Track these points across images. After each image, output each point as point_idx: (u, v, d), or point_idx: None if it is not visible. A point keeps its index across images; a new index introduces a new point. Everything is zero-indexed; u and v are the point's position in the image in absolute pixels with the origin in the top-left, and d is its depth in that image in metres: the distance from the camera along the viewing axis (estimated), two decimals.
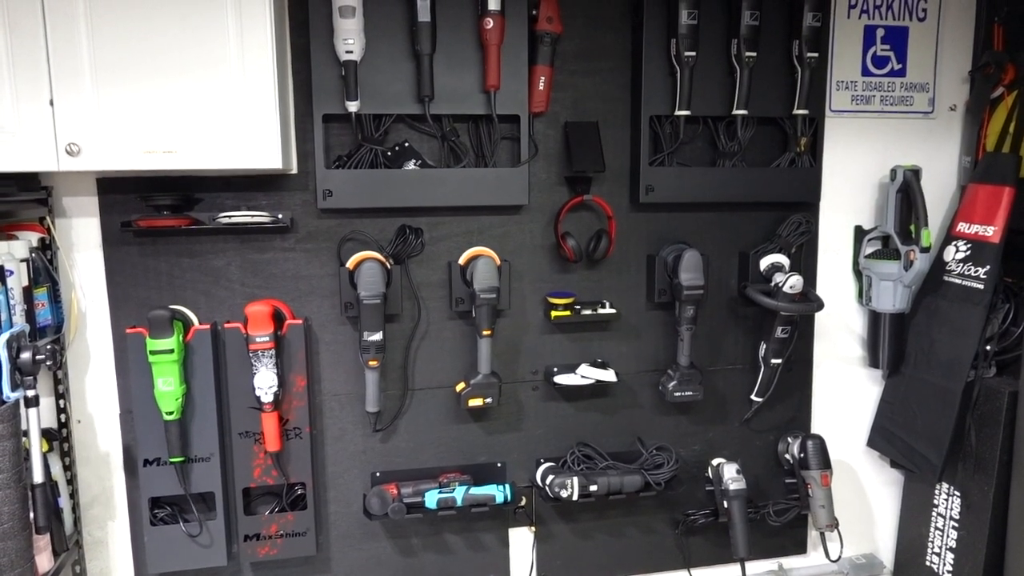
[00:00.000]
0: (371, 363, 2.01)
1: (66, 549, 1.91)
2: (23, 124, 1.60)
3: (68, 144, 1.64)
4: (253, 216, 1.94)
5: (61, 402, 1.98)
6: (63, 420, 1.99)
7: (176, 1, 1.63)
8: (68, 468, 2.00)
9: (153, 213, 1.91)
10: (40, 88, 1.60)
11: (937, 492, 2.34)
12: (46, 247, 1.91)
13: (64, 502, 1.96)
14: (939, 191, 2.41)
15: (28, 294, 1.80)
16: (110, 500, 2.08)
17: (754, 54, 2.09)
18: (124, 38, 1.62)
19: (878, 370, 2.43)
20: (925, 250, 2.18)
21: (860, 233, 2.38)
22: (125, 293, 1.98)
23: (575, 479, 2.13)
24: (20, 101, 1.60)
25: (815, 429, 2.44)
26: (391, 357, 2.12)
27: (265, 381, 1.95)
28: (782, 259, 2.22)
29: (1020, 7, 2.25)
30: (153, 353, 1.88)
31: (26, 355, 1.65)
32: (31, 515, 1.70)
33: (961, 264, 2.23)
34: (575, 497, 2.12)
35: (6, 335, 1.62)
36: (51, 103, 1.61)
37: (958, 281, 2.23)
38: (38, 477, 1.72)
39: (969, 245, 2.22)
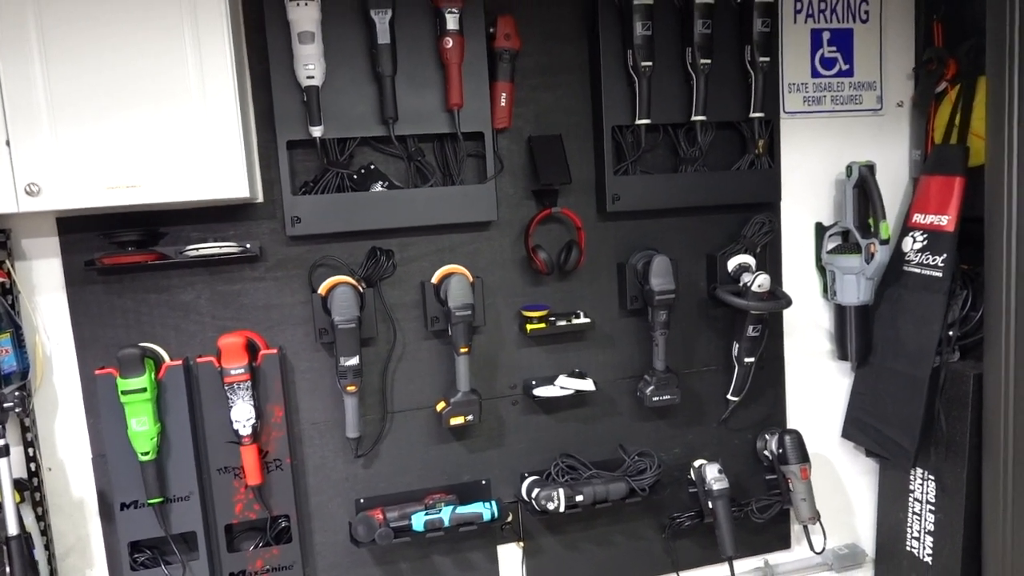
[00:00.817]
0: (349, 388, 1.99)
1: None
2: None
3: (27, 184, 1.60)
4: (221, 247, 1.92)
5: (31, 450, 1.92)
6: (33, 469, 1.93)
7: (131, 34, 1.61)
8: (41, 518, 1.94)
9: (117, 250, 1.87)
10: None
11: (912, 477, 2.40)
12: (6, 291, 1.86)
13: (39, 553, 1.89)
14: (892, 184, 2.48)
15: None
16: (87, 548, 2.02)
17: (709, 61, 2.13)
18: (80, 74, 1.60)
19: (847, 362, 2.48)
20: (885, 242, 2.25)
21: (821, 229, 2.44)
22: (92, 333, 1.94)
23: (561, 491, 2.13)
24: None
25: (791, 424, 2.49)
26: (369, 381, 2.10)
27: (242, 414, 1.92)
28: (748, 259, 2.27)
29: (957, 5, 2.34)
30: (125, 393, 1.84)
31: None
32: (7, 570, 1.64)
33: (919, 254, 2.30)
34: (562, 509, 2.12)
35: None
36: (7, 143, 1.58)
37: (917, 271, 2.30)
38: (12, 529, 1.67)
39: (925, 235, 2.29)
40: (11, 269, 1.86)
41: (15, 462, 1.86)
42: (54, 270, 1.91)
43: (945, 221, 2.24)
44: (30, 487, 1.91)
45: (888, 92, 2.47)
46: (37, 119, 1.59)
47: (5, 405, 1.61)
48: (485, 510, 2.11)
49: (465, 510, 2.11)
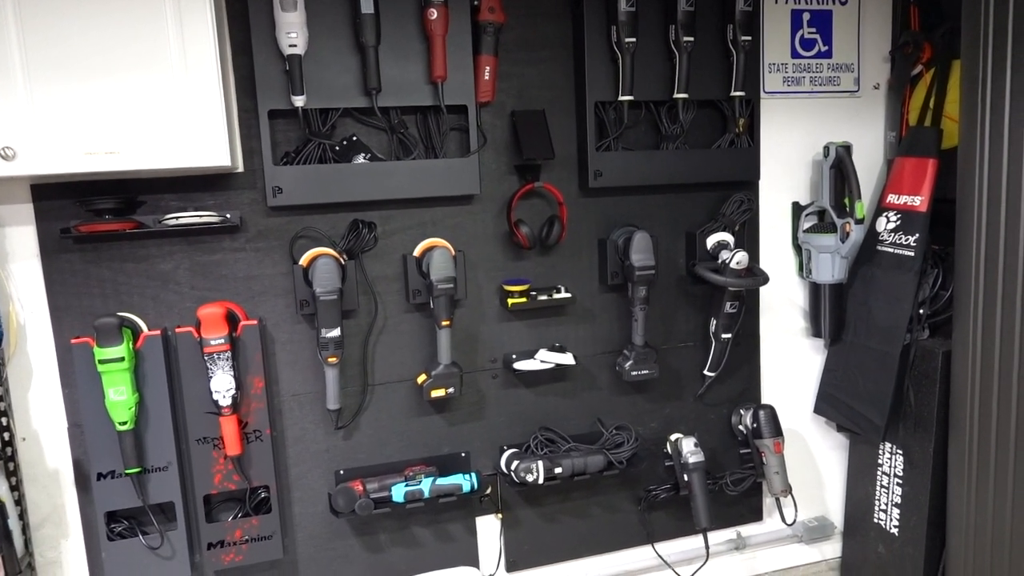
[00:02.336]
0: (330, 360, 1.99)
1: (19, 571, 1.84)
2: None
3: (2, 148, 1.57)
4: (201, 216, 1.89)
5: (3, 419, 1.89)
6: (7, 439, 1.90)
7: None
8: (15, 488, 1.92)
9: (94, 218, 1.84)
10: None
11: (881, 452, 2.46)
12: None
13: (13, 523, 1.87)
14: (867, 166, 2.52)
15: None
16: (62, 518, 2.00)
17: (692, 39, 2.14)
18: (57, 36, 1.57)
19: (821, 339, 2.54)
20: (859, 222, 2.29)
21: (797, 209, 2.48)
22: (67, 303, 1.91)
23: (540, 463, 2.15)
24: None
25: (765, 400, 2.53)
26: (349, 353, 2.10)
27: (222, 384, 1.91)
28: (727, 237, 2.30)
29: None
30: (102, 362, 1.82)
31: None
32: None
33: (892, 234, 2.35)
34: (541, 480, 2.15)
35: None
36: None
37: (890, 250, 2.35)
38: None
39: (899, 215, 2.34)
40: None
41: None
42: (28, 238, 1.88)
43: (918, 202, 2.29)
44: (3, 457, 1.89)
45: (865, 74, 2.51)
46: (11, 81, 1.56)
47: None
48: (465, 482, 2.13)
49: (445, 482, 2.12)
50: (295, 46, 1.86)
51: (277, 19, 1.85)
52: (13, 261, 1.89)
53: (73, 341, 1.86)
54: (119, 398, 1.85)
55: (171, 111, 1.65)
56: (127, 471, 1.89)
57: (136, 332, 1.91)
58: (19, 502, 1.93)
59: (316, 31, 1.90)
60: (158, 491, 1.95)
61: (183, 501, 1.97)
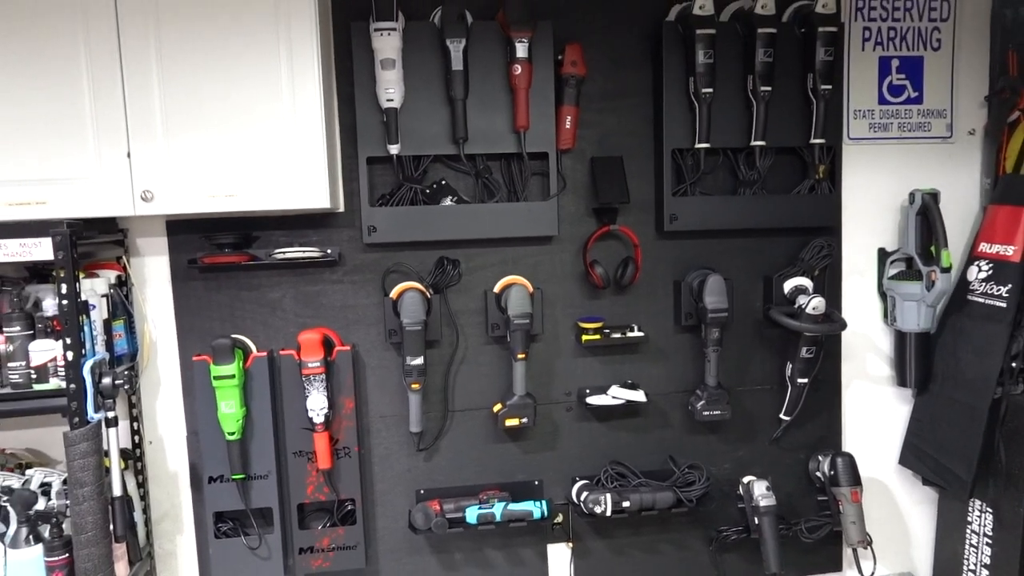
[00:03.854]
0: (413, 386, 2.15)
1: (140, 559, 2.10)
2: (104, 174, 1.82)
3: (143, 191, 1.84)
4: (305, 251, 2.13)
5: (135, 424, 2.17)
6: (136, 441, 2.18)
7: (234, 60, 1.82)
8: (141, 485, 2.19)
9: (216, 251, 2.11)
10: (119, 142, 1.81)
11: (970, 509, 2.37)
12: (122, 283, 2.12)
13: (138, 516, 2.14)
14: (962, 213, 2.47)
15: (107, 326, 2.00)
16: (179, 515, 2.26)
17: (769, 88, 2.20)
18: (190, 96, 1.83)
19: (907, 389, 2.48)
20: (946, 270, 2.24)
21: (883, 255, 2.45)
22: (191, 324, 2.18)
23: (608, 495, 2.23)
24: (102, 154, 1.81)
25: (846, 448, 2.49)
26: (432, 380, 2.26)
27: (316, 403, 2.11)
28: (805, 282, 2.31)
29: None
30: (216, 379, 2.06)
31: (107, 380, 1.84)
32: (111, 526, 1.88)
33: (984, 283, 2.28)
34: (608, 512, 2.22)
35: (90, 362, 1.81)
36: (128, 155, 1.83)
37: (981, 300, 2.28)
38: (117, 491, 1.90)
39: (991, 265, 2.28)
40: (127, 264, 2.12)
41: (122, 434, 2.11)
42: (162, 266, 2.17)
43: (1011, 251, 2.22)
44: (133, 457, 2.17)
45: (959, 120, 2.46)
46: (153, 134, 1.83)
47: (116, 382, 1.85)
48: (535, 508, 2.24)
49: (516, 507, 2.23)
50: (392, 100, 2.07)
51: (377, 76, 2.07)
52: (149, 286, 2.18)
53: (194, 358, 2.11)
54: (229, 411, 2.08)
55: (281, 160, 1.87)
56: (233, 477, 2.12)
57: (247, 352, 2.15)
58: (144, 498, 2.20)
59: (411, 85, 2.11)
60: (259, 497, 2.17)
61: (280, 507, 2.18)
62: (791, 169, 2.35)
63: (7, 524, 1.88)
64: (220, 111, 1.85)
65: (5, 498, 1.89)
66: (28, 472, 1.96)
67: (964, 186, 2.48)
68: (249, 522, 2.17)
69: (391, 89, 2.07)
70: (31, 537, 1.85)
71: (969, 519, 2.37)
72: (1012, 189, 2.27)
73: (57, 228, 1.76)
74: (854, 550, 2.35)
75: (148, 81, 1.81)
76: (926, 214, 2.30)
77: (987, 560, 2.31)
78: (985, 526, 2.31)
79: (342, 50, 2.12)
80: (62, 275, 1.76)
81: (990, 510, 2.29)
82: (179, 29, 1.80)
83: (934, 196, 2.29)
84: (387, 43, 2.04)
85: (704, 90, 2.18)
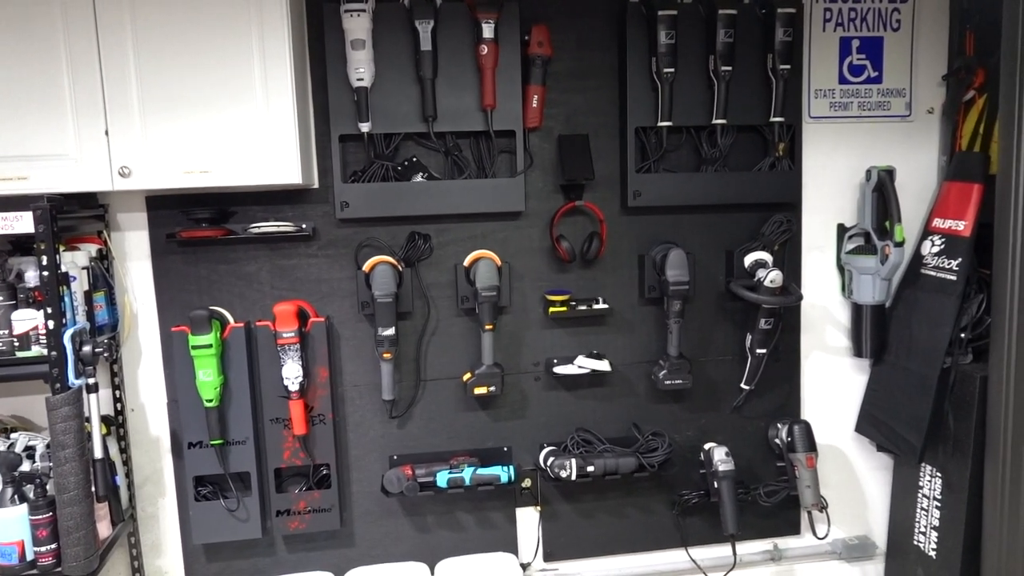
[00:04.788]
0: (385, 355, 2.24)
1: (123, 520, 2.20)
2: (84, 152, 1.89)
3: (120, 167, 1.92)
4: (280, 226, 2.20)
5: (117, 393, 2.26)
6: (119, 408, 2.27)
7: (208, 40, 1.89)
8: (123, 451, 2.28)
9: (193, 225, 2.18)
10: (97, 122, 1.89)
11: (921, 474, 2.47)
12: (103, 257, 2.20)
13: (120, 480, 2.24)
14: (919, 190, 2.54)
15: (88, 297, 2.08)
16: (160, 479, 2.35)
17: (730, 68, 2.27)
18: (165, 77, 1.90)
19: (863, 359, 2.57)
20: (899, 244, 2.32)
21: (842, 231, 2.53)
22: (170, 296, 2.26)
23: (573, 460, 2.32)
24: (81, 132, 1.89)
25: (805, 416, 2.59)
26: (404, 351, 2.35)
27: (291, 372, 2.20)
28: (765, 256, 2.39)
29: (990, 15, 2.38)
30: (194, 348, 2.14)
31: (87, 348, 1.93)
32: (92, 487, 1.97)
33: (936, 257, 2.37)
34: (573, 477, 2.32)
35: (71, 330, 1.90)
36: (106, 133, 1.90)
37: (933, 273, 2.37)
38: (98, 453, 1.99)
39: (943, 239, 2.36)
40: (107, 238, 2.20)
41: (104, 402, 2.19)
42: (142, 240, 2.24)
43: (962, 226, 2.31)
44: (116, 423, 2.26)
45: (918, 99, 2.53)
46: (130, 112, 1.90)
47: (96, 350, 1.93)
48: (503, 473, 2.34)
49: (485, 471, 2.33)
50: (362, 80, 2.14)
51: (348, 56, 2.13)
52: (130, 259, 2.26)
53: (173, 329, 2.20)
54: (207, 379, 2.17)
55: (253, 138, 1.94)
56: (212, 442, 2.21)
57: (224, 323, 2.23)
58: (126, 463, 2.29)
59: (382, 65, 2.17)
60: (237, 462, 2.26)
61: (257, 472, 2.28)
62: (752, 147, 2.43)
63: None
64: (195, 91, 1.92)
65: None
66: (13, 436, 2.06)
67: (922, 163, 2.55)
68: (228, 486, 2.26)
69: (361, 69, 2.13)
70: (16, 497, 1.94)
71: (920, 484, 2.48)
72: (964, 166, 2.35)
73: (38, 202, 1.84)
74: (808, 513, 2.46)
75: (124, 61, 1.88)
76: (881, 190, 2.38)
77: (935, 522, 2.41)
78: (935, 490, 2.42)
79: (314, 31, 2.18)
80: (43, 247, 1.84)
81: (939, 475, 2.40)
82: (154, 11, 1.87)
83: (889, 173, 2.37)
84: (357, 24, 2.10)
85: (666, 70, 2.25)
